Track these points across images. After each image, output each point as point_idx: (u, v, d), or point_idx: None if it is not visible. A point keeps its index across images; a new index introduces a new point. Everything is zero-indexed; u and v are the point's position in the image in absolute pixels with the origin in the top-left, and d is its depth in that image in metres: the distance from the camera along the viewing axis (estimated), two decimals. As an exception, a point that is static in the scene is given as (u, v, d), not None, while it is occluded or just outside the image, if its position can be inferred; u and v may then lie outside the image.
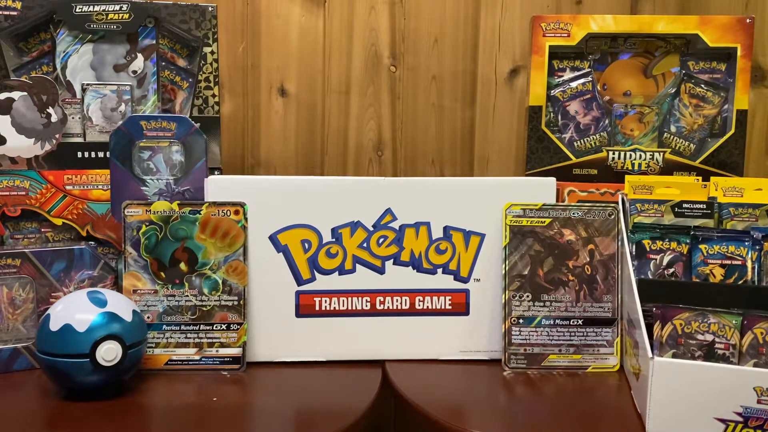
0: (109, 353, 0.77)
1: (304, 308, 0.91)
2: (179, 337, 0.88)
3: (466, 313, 0.92)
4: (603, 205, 0.92)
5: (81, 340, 0.76)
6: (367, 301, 0.92)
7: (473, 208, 0.92)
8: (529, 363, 0.90)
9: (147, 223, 0.89)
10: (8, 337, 0.87)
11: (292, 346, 0.91)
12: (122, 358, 0.78)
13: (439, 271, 0.92)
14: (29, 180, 0.96)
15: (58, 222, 0.97)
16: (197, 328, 0.88)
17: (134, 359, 0.80)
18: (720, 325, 0.78)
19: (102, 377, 0.78)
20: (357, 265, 0.91)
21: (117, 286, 0.90)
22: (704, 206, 0.92)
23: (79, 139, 0.99)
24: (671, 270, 0.89)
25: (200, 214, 0.89)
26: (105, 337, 0.77)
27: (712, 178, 0.97)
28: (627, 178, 0.98)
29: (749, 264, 0.87)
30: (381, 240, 0.91)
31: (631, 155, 1.05)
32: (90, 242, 0.95)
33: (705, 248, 0.88)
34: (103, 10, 0.97)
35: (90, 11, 0.97)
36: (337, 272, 0.91)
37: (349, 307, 0.91)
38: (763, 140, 1.26)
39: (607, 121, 1.06)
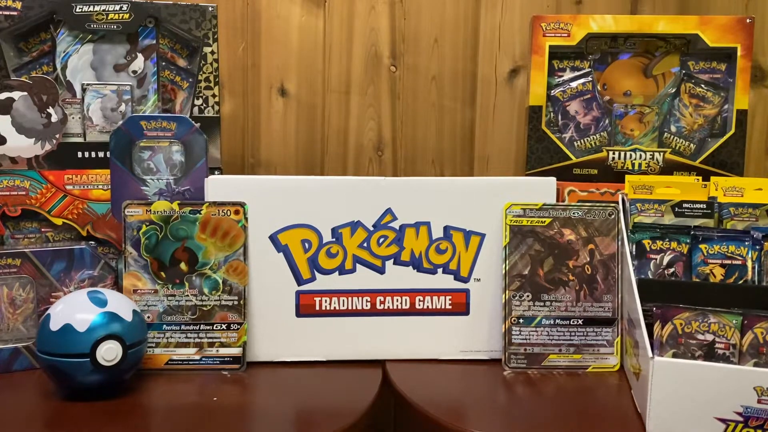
0: (109, 353, 0.77)
1: (304, 308, 0.91)
2: (179, 337, 0.88)
3: (466, 313, 0.92)
4: (603, 205, 0.92)
5: (81, 339, 0.76)
6: (367, 301, 0.92)
7: (473, 208, 0.92)
8: (529, 363, 0.90)
9: (147, 223, 0.89)
10: (8, 337, 0.87)
11: (292, 346, 0.91)
12: (122, 358, 0.78)
13: (439, 270, 0.92)
14: (29, 180, 0.96)
15: (59, 222, 0.97)
16: (197, 328, 0.88)
17: (134, 359, 0.80)
18: (720, 325, 0.78)
19: (102, 377, 0.78)
20: (357, 264, 0.91)
21: (117, 286, 0.90)
22: (704, 206, 0.92)
23: (80, 139, 0.99)
24: (671, 270, 0.89)
25: (200, 214, 0.89)
26: (105, 337, 0.77)
27: (712, 178, 0.97)
28: (627, 178, 0.98)
29: (749, 264, 0.87)
30: (381, 240, 0.91)
31: (631, 155, 1.05)
32: (90, 242, 0.95)
33: (705, 248, 0.88)
34: (103, 10, 0.98)
35: (90, 11, 0.97)
36: (337, 272, 0.91)
37: (349, 307, 0.91)
38: (763, 140, 1.26)
39: (607, 121, 1.06)
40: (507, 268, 0.90)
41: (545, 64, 1.05)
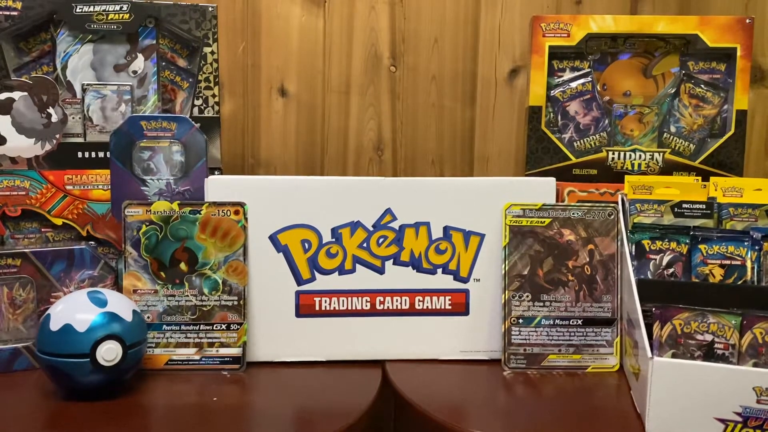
0: (109, 353, 0.77)
1: (304, 308, 0.91)
2: (179, 337, 0.88)
3: (466, 313, 0.93)
4: (603, 205, 0.92)
5: (81, 340, 0.76)
6: (367, 301, 0.92)
7: (473, 208, 0.92)
8: (529, 363, 0.90)
9: (147, 223, 0.89)
10: (8, 337, 0.87)
11: (292, 346, 0.91)
12: (122, 358, 0.78)
13: (439, 271, 0.92)
14: (29, 180, 0.96)
15: (59, 222, 0.97)
16: (197, 328, 0.89)
17: (134, 359, 0.80)
18: (719, 325, 0.78)
19: (102, 377, 0.78)
20: (357, 265, 0.91)
21: (117, 286, 0.90)
22: (704, 206, 0.92)
23: (80, 139, 0.99)
24: (671, 270, 0.89)
25: (200, 214, 0.89)
26: (105, 337, 0.77)
27: (712, 178, 0.97)
28: (627, 178, 0.98)
29: (749, 264, 0.87)
30: (381, 240, 0.92)
31: (630, 155, 1.05)
32: (90, 242, 0.95)
33: (704, 248, 0.89)
34: (104, 10, 0.98)
35: (90, 11, 0.97)
36: (337, 272, 0.91)
37: (349, 307, 0.92)
38: (763, 140, 1.26)
39: (606, 122, 1.07)
40: (506, 268, 0.90)
41: (545, 64, 1.05)
